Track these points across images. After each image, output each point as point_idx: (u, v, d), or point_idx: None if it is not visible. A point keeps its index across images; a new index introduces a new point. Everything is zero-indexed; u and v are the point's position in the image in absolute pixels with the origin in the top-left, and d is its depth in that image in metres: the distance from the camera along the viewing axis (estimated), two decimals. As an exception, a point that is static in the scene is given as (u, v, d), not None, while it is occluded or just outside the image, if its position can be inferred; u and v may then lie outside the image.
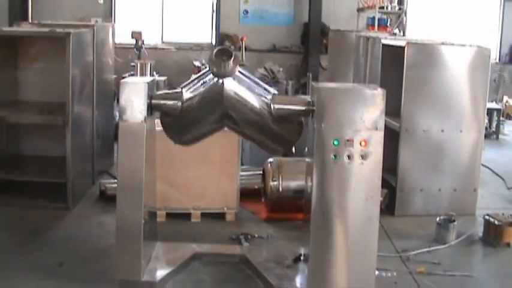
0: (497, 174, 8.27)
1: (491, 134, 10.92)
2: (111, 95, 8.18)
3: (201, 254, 5.21)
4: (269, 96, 4.73)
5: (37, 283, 4.72)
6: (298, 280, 4.80)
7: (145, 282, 4.66)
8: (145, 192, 4.64)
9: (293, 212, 6.02)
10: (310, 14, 13.77)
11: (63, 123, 6.29)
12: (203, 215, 6.17)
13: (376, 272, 4.74)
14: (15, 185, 6.62)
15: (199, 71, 11.94)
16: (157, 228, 5.40)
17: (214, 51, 4.41)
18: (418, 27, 14.13)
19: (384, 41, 7.32)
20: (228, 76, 4.45)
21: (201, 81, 4.74)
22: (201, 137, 5.08)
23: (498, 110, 11.30)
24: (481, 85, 6.60)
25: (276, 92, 4.90)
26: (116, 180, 4.90)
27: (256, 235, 5.83)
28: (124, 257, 4.64)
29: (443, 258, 5.43)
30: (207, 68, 4.68)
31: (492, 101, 11.69)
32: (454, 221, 5.88)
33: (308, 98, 4.77)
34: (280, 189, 6.22)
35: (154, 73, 9.57)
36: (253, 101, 4.67)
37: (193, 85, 4.80)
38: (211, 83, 4.60)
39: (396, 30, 12.94)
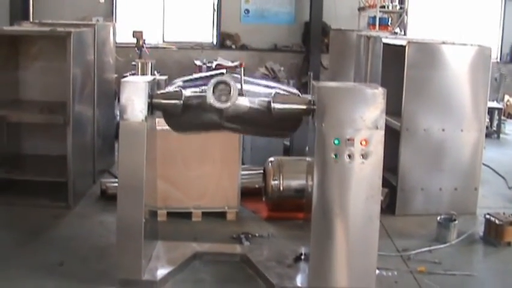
0: (498, 174, 8.26)
1: (492, 133, 10.91)
2: (112, 94, 8.19)
3: (201, 253, 5.21)
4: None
5: (38, 282, 4.72)
6: (299, 279, 4.80)
7: (146, 281, 4.66)
8: (146, 191, 4.64)
9: (294, 211, 6.02)
10: (311, 13, 13.77)
11: (64, 123, 6.29)
12: (204, 214, 6.17)
13: (377, 271, 4.76)
14: (16, 184, 6.62)
15: (200, 70, 12.03)
16: (158, 228, 5.40)
17: (213, 83, 4.39)
18: (419, 27, 14.11)
19: (384, 40, 7.32)
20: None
21: (203, 84, 4.74)
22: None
23: (499, 109, 11.29)
24: (482, 84, 6.60)
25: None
26: (116, 179, 4.91)
27: (257, 234, 5.82)
28: (125, 256, 4.65)
29: (444, 257, 5.43)
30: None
31: (493, 100, 11.66)
32: (454, 220, 5.87)
33: (309, 97, 4.76)
34: (281, 188, 6.22)
35: (155, 72, 9.56)
36: (254, 103, 4.66)
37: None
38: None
39: (397, 30, 12.94)
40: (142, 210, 4.60)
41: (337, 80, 9.42)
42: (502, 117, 11.53)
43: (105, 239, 5.52)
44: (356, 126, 4.46)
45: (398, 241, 5.78)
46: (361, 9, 13.82)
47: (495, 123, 11.10)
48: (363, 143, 4.45)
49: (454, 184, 6.62)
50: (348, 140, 4.45)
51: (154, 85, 4.80)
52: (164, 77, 9.36)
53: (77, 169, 6.44)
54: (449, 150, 6.59)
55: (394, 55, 6.79)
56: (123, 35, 11.09)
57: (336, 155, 4.45)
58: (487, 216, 5.91)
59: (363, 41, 8.29)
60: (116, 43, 8.27)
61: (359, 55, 8.43)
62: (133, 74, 9.18)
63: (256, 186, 6.60)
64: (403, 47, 6.50)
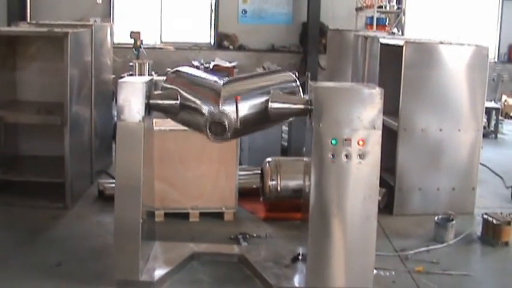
0: (495, 174, 8.27)
1: (490, 133, 10.92)
2: (109, 95, 8.18)
3: (199, 253, 5.21)
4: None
5: (35, 282, 4.71)
6: (297, 279, 4.80)
7: (143, 282, 4.66)
8: (144, 192, 4.64)
9: (291, 211, 6.02)
10: (309, 13, 13.78)
11: (62, 123, 6.29)
12: (201, 214, 6.16)
13: (375, 271, 4.76)
14: (13, 185, 6.62)
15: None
16: (156, 228, 5.40)
17: (208, 122, 4.44)
18: (416, 27, 14.13)
19: (382, 40, 7.32)
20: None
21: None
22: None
23: (497, 109, 11.30)
24: (480, 84, 6.60)
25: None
26: (114, 180, 4.90)
27: (254, 235, 5.82)
28: (122, 257, 4.64)
29: (441, 257, 5.43)
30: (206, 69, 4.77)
31: (491, 100, 11.69)
32: (452, 220, 5.88)
33: (306, 97, 4.77)
34: (279, 188, 6.21)
35: (153, 73, 9.57)
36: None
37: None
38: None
39: (395, 30, 12.94)
40: (139, 211, 4.59)
41: (334, 80, 9.43)
42: (500, 117, 11.54)
43: (103, 240, 5.51)
44: (353, 126, 4.46)
45: (396, 241, 5.78)
46: (358, 9, 13.84)
47: (493, 123, 11.10)
48: (360, 143, 4.46)
49: (451, 184, 6.63)
50: (345, 140, 4.45)
51: (151, 86, 4.79)
52: (161, 78, 9.34)
53: (74, 170, 6.44)
54: (447, 150, 6.59)
55: (392, 55, 6.80)
56: (121, 36, 11.11)
57: (333, 155, 4.46)
58: (485, 216, 5.91)
59: (360, 41, 8.30)
60: (114, 44, 8.27)
61: (356, 55, 8.43)
62: (130, 75, 9.18)
63: (254, 186, 6.59)
64: (400, 47, 6.50)
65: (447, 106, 6.55)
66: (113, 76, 8.23)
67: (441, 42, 6.77)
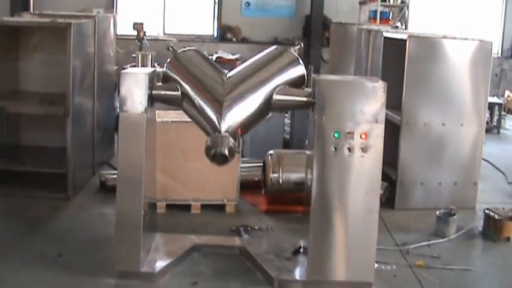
0: (497, 169, 8.25)
1: (493, 129, 10.90)
2: (112, 86, 8.18)
3: (200, 245, 5.21)
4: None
5: (36, 273, 4.72)
6: (298, 272, 4.81)
7: (144, 273, 4.67)
8: (145, 184, 4.64)
9: (293, 204, 6.03)
10: (312, 6, 13.73)
11: (64, 114, 6.28)
12: (203, 206, 6.16)
13: (376, 265, 4.76)
14: (15, 175, 6.60)
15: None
16: (157, 220, 5.40)
17: (211, 155, 4.32)
18: (420, 21, 14.08)
19: (385, 34, 7.29)
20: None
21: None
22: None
23: (499, 105, 11.27)
24: (483, 79, 6.58)
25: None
26: (116, 171, 4.90)
27: (256, 227, 5.82)
28: (123, 248, 4.65)
29: (442, 252, 5.43)
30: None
31: (494, 96, 11.65)
32: (454, 214, 5.87)
33: (309, 90, 4.75)
34: (281, 181, 6.21)
35: (156, 64, 9.55)
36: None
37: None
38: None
39: (398, 24, 12.90)
40: (141, 202, 4.59)
41: (337, 73, 9.40)
42: (502, 113, 11.50)
43: (104, 231, 5.51)
44: (356, 120, 4.45)
45: (397, 235, 5.78)
46: (362, 3, 13.77)
47: (495, 118, 11.08)
48: (363, 136, 4.45)
49: (453, 179, 6.62)
50: (348, 133, 4.45)
51: (154, 77, 4.79)
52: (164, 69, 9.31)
53: (76, 161, 6.44)
54: (449, 144, 6.58)
55: (395, 49, 6.77)
56: (124, 27, 11.07)
57: (335, 148, 4.46)
58: (486, 211, 5.91)
59: (363, 35, 8.27)
60: (117, 35, 8.25)
61: (359, 49, 8.41)
62: (133, 66, 9.16)
63: (256, 179, 6.59)
64: (403, 41, 6.48)
65: (450, 101, 6.54)
66: (116, 67, 8.22)
67: (445, 37, 6.75)
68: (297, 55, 4.86)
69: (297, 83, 4.77)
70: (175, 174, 6.05)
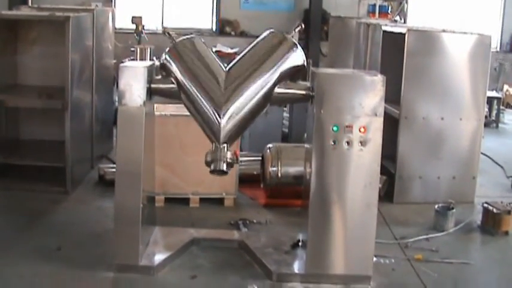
0: (496, 163, 8.26)
1: (491, 123, 10.90)
2: (110, 80, 8.16)
3: (199, 239, 5.21)
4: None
5: (35, 267, 4.72)
6: (296, 266, 4.81)
7: (143, 267, 4.67)
8: (144, 177, 4.63)
9: (292, 198, 6.02)
10: (311, 0, 13.70)
11: (63, 108, 6.26)
12: (202, 200, 6.16)
13: (374, 259, 4.76)
14: (14, 169, 6.59)
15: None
16: (156, 213, 5.40)
17: (210, 169, 4.47)
18: (419, 15, 14.06)
19: (384, 28, 7.28)
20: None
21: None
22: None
23: (498, 99, 11.26)
24: (482, 73, 6.57)
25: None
26: (114, 165, 4.89)
27: (254, 221, 5.83)
28: (122, 241, 4.64)
29: (441, 245, 5.43)
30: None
31: (492, 90, 11.64)
32: (452, 208, 5.87)
33: (308, 83, 4.74)
34: (279, 175, 6.21)
35: (154, 58, 9.53)
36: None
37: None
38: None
39: (397, 18, 12.88)
40: (140, 196, 4.59)
41: (336, 67, 9.38)
42: (501, 107, 11.50)
43: (103, 224, 5.51)
44: (355, 113, 4.45)
45: (396, 229, 5.78)
46: (361, -4, 13.76)
47: (494, 112, 11.07)
48: (362, 130, 4.45)
49: (452, 173, 6.62)
50: (347, 126, 4.44)
51: (152, 70, 4.77)
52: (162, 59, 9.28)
53: (75, 154, 6.43)
54: (448, 138, 6.58)
55: (394, 43, 6.76)
56: (122, 21, 11.04)
57: (334, 142, 4.45)
58: (485, 205, 5.91)
59: (362, 29, 8.26)
60: (115, 29, 8.23)
61: (358, 43, 8.40)
62: (132, 60, 9.14)
63: (255, 172, 6.59)
64: (402, 35, 6.47)
65: (449, 95, 6.53)
66: (114, 61, 8.20)
67: (444, 31, 6.74)
68: (294, 41, 4.73)
69: (297, 71, 4.68)
70: (174, 168, 6.04)
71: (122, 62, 6.51)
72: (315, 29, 13.62)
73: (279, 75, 4.55)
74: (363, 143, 4.45)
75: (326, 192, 4.51)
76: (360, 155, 4.47)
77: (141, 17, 10.49)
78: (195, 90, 4.52)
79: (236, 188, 6.24)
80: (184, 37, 4.74)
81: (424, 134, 6.54)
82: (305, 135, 5.09)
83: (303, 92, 4.61)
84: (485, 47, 6.56)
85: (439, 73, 6.49)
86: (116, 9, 10.38)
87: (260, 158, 6.51)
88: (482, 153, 7.14)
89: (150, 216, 5.07)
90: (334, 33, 10.77)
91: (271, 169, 6.23)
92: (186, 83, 4.56)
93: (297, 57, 4.64)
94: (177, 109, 5.69)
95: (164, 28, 4.87)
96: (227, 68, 4.62)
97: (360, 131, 4.44)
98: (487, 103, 8.83)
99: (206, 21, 14.30)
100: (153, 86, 4.64)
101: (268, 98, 4.56)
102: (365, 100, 4.45)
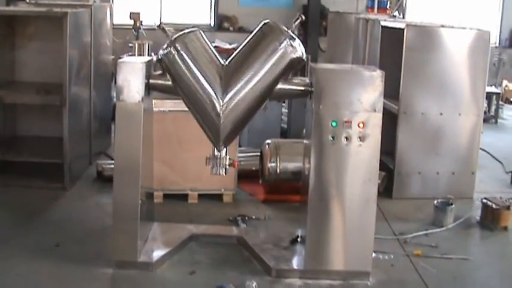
0: (495, 159, 8.24)
1: (490, 118, 10.88)
2: (108, 76, 8.14)
3: (198, 235, 5.20)
4: None
5: (34, 263, 4.70)
6: (295, 262, 4.80)
7: (142, 263, 4.65)
8: (143, 173, 4.61)
9: (291, 193, 6.01)
10: (310, -5, 13.67)
11: (60, 104, 6.24)
12: (200, 196, 6.15)
13: (373, 254, 4.75)
14: (12, 165, 6.58)
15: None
16: (154, 209, 5.39)
17: (211, 171, 4.70)
18: (418, 10, 14.03)
19: (383, 23, 7.27)
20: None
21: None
22: None
23: (497, 94, 11.25)
24: (481, 68, 6.55)
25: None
26: (113, 161, 4.88)
27: (253, 217, 5.82)
28: (121, 238, 4.63)
29: (440, 241, 5.43)
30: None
31: (491, 85, 11.63)
32: (451, 204, 5.86)
33: (306, 79, 4.72)
34: (278, 170, 6.20)
35: (153, 54, 9.51)
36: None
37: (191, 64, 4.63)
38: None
39: (396, 13, 12.83)
40: (138, 192, 4.57)
41: (335, 63, 9.36)
42: (500, 102, 11.50)
43: (101, 221, 5.50)
44: (354, 109, 4.43)
45: (395, 224, 5.78)
46: (359, -8, 13.73)
47: (493, 108, 11.06)
48: (361, 125, 4.43)
49: (451, 168, 6.61)
50: (346, 122, 4.42)
51: (151, 66, 4.74)
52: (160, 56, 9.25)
53: (73, 151, 6.41)
54: (447, 134, 6.56)
55: (393, 38, 6.75)
56: (120, 17, 11.01)
57: (333, 138, 4.43)
58: (484, 201, 5.90)
59: (361, 24, 8.24)
60: (113, 24, 8.20)
61: (357, 38, 8.38)
62: (130, 56, 9.12)
63: (253, 168, 6.58)
64: (401, 30, 6.46)
65: (448, 90, 6.51)
66: (112, 57, 8.18)
67: (443, 26, 6.71)
68: (290, 33, 4.65)
69: (297, 63, 4.58)
70: (172, 164, 6.03)
71: (120, 58, 6.50)
72: (314, 24, 13.59)
73: (278, 70, 4.49)
74: (361, 138, 4.44)
75: (325, 188, 4.50)
76: (359, 150, 4.46)
77: (139, 13, 10.47)
78: (193, 89, 4.48)
79: (235, 184, 6.23)
80: (181, 33, 4.65)
81: (423, 130, 6.53)
82: (304, 130, 5.07)
83: (302, 88, 4.59)
84: (484, 42, 6.54)
85: (438, 68, 6.47)
86: (114, 4, 10.33)
87: (259, 154, 6.49)
88: (481, 148, 7.12)
89: (148, 213, 5.05)
90: (333, 29, 10.75)
91: (270, 165, 6.21)
92: (183, 81, 4.51)
93: (294, 50, 4.54)
94: (175, 105, 5.67)
95: (159, 24, 4.81)
96: (225, 63, 4.57)
97: (358, 126, 4.43)
98: (486, 98, 8.81)
99: (204, 16, 14.27)
100: (151, 81, 4.62)
101: (268, 93, 4.53)
102: (364, 95, 4.43)
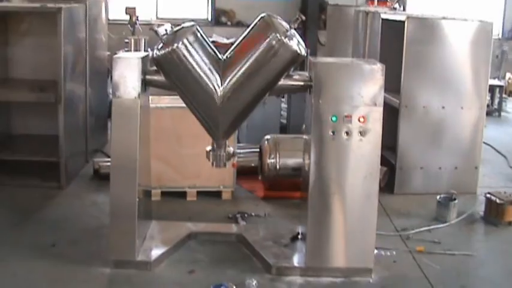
0: (499, 152, 8.20)
1: (493, 111, 10.84)
2: (104, 73, 8.08)
3: (196, 233, 5.15)
4: None
5: (30, 263, 4.65)
6: (296, 259, 4.75)
7: (140, 262, 4.60)
8: (140, 171, 4.56)
9: (291, 190, 5.96)
10: (309, -11, 13.59)
11: (56, 101, 6.19)
12: (199, 193, 6.10)
13: (375, 251, 4.71)
14: (7, 164, 6.51)
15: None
16: (152, 207, 5.34)
17: (211, 164, 4.80)
18: (418, 2, 13.96)
19: (383, 16, 7.21)
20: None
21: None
22: None
23: (500, 87, 11.21)
24: (483, 61, 6.48)
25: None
26: (109, 159, 4.82)
27: (253, 214, 5.77)
28: (118, 237, 4.58)
29: (443, 237, 5.37)
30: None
31: (494, 78, 11.56)
32: (454, 199, 5.81)
33: (306, 73, 4.65)
34: (278, 166, 6.14)
35: (149, 50, 9.42)
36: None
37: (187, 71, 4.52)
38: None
39: (396, 5, 12.74)
40: (135, 190, 4.52)
41: (334, 56, 9.31)
42: (503, 95, 11.45)
43: (98, 220, 5.45)
44: (354, 103, 4.39)
45: (397, 220, 5.72)
46: (359, -15, 13.65)
47: (496, 101, 11.02)
48: (361, 120, 4.39)
49: (454, 163, 6.54)
50: (346, 116, 4.38)
51: (147, 61, 4.69)
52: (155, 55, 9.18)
53: (69, 149, 6.36)
54: (449, 128, 6.50)
55: (393, 31, 6.68)
56: (116, 12, 10.93)
57: (333, 132, 4.40)
58: (488, 196, 5.84)
59: (361, 17, 8.17)
60: (108, 20, 8.16)
61: (357, 31, 8.32)
62: (126, 51, 9.04)
63: (252, 164, 6.52)
64: (402, 23, 6.39)
65: (450, 83, 6.45)
66: (108, 53, 8.13)
67: (444, 18, 6.64)
68: (287, 27, 4.44)
69: (296, 57, 4.41)
70: (170, 161, 5.97)
71: (116, 54, 6.42)
72: (313, 17, 13.49)
73: (276, 64, 4.37)
74: (362, 133, 4.40)
75: (325, 184, 4.45)
76: (360, 145, 4.41)
77: (134, 8, 10.35)
78: (191, 84, 4.40)
79: (234, 181, 6.17)
80: (178, 28, 4.53)
81: (425, 124, 6.47)
82: (303, 126, 5.01)
83: (301, 82, 4.54)
84: (487, 34, 6.47)
85: (440, 61, 6.40)
86: (109, -1, 10.24)
87: (258, 150, 6.43)
88: (484, 142, 7.05)
89: (146, 211, 5.01)
90: (332, 22, 10.72)
91: (270, 161, 6.15)
92: (181, 76, 4.42)
93: (293, 44, 4.38)
94: (172, 101, 5.61)
95: (151, 27, 4.76)
96: (223, 58, 4.49)
97: (359, 121, 4.39)
98: (489, 91, 8.73)
99: (201, 11, 14.20)
100: (148, 77, 4.56)
101: (267, 88, 4.46)
102: (364, 89, 4.39)
